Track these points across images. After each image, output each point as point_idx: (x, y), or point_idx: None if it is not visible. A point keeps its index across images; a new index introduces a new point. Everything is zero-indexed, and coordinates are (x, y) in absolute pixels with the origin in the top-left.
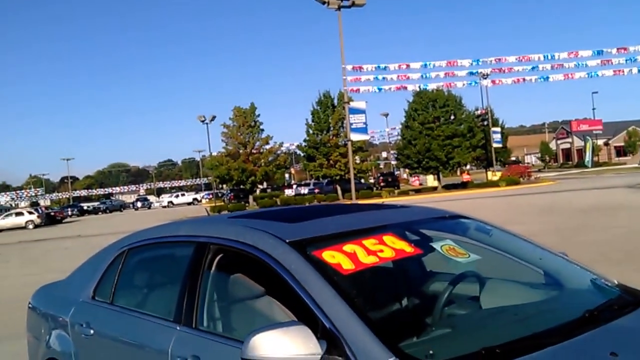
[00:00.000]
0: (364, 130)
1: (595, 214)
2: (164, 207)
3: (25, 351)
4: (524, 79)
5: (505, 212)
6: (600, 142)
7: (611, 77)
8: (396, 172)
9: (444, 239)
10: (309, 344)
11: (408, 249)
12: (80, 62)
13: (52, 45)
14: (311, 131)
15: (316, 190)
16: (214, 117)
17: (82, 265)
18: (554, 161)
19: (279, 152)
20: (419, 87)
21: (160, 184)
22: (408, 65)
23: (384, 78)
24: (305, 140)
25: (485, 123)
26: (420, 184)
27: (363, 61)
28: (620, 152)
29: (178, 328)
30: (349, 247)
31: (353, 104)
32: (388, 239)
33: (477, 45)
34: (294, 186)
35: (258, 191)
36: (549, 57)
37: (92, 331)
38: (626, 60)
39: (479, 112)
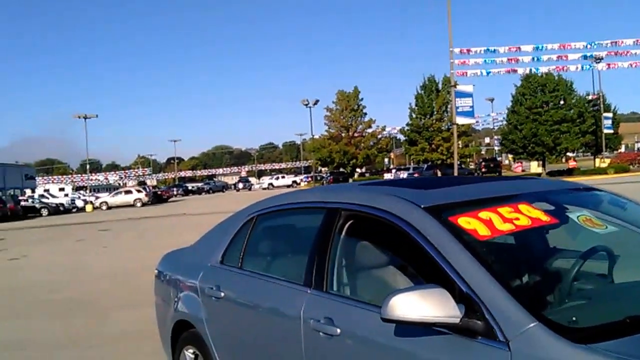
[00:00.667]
0: (470, 114)
1: None
2: (264, 189)
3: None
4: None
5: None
6: None
7: None
8: (498, 158)
9: (580, 210)
10: (448, 306)
11: (544, 217)
12: (188, 49)
13: (165, 34)
14: (414, 115)
15: (415, 175)
16: (317, 101)
17: (209, 232)
18: None
19: (380, 135)
20: (530, 70)
21: (262, 167)
22: (519, 48)
23: (492, 61)
24: (407, 124)
25: (596, 108)
26: (523, 170)
27: (471, 45)
28: None
29: (309, 291)
30: (484, 214)
31: (460, 88)
32: (523, 207)
33: (591, 28)
34: (393, 170)
35: (356, 175)
36: None
37: (222, 294)
38: None
39: (590, 97)
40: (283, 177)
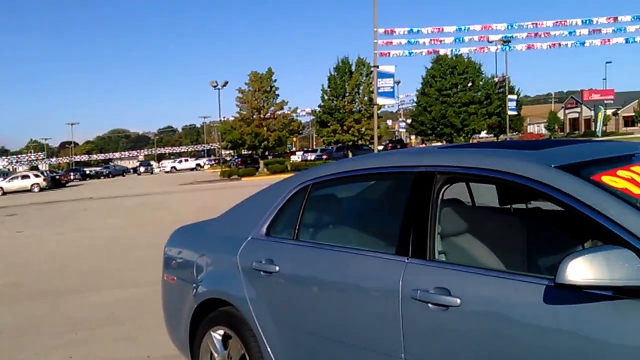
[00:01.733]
0: (391, 95)
1: None
2: (167, 172)
3: None
4: (559, 44)
5: None
6: (609, 112)
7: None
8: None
9: None
10: (635, 268)
11: None
12: (84, 27)
13: (60, 11)
14: (326, 97)
15: (324, 157)
16: (226, 83)
17: (241, 204)
18: (560, 130)
19: (291, 117)
20: (452, 51)
21: (161, 150)
22: (441, 29)
23: (416, 42)
24: (319, 106)
25: (502, 91)
26: None
27: (394, 26)
28: (629, 122)
29: (407, 260)
30: (623, 173)
31: (382, 68)
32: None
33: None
34: (300, 152)
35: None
36: (587, 22)
37: (276, 268)
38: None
39: (496, 79)
40: (187, 160)
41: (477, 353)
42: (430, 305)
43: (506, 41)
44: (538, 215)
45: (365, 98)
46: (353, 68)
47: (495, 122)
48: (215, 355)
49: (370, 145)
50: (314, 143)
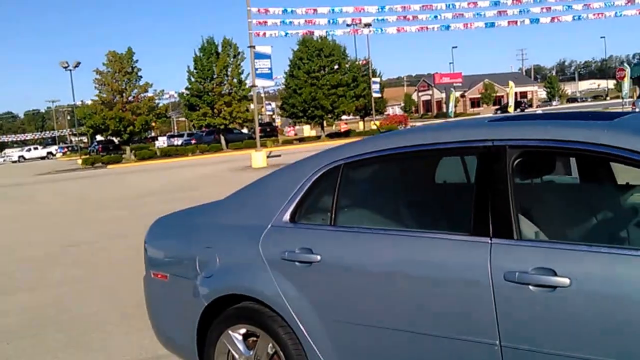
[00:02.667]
0: (268, 76)
1: None
2: (14, 162)
3: None
4: (427, 28)
5: None
6: (457, 94)
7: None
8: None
9: None
10: None
11: None
12: None
13: None
14: (193, 79)
15: (193, 141)
16: (78, 63)
17: (247, 190)
18: (415, 112)
19: (158, 100)
20: (326, 33)
21: (2, 138)
22: (315, 10)
23: (290, 22)
24: (187, 89)
25: (366, 73)
26: (296, 134)
27: (265, 5)
28: (475, 103)
29: (491, 241)
30: None
31: (258, 49)
32: None
33: None
34: (164, 138)
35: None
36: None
37: (318, 257)
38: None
39: (360, 62)
40: (35, 148)
41: (588, 334)
42: (531, 287)
43: (367, 24)
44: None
45: (235, 80)
46: (220, 49)
47: (362, 104)
48: (237, 356)
49: (241, 129)
50: (176, 127)
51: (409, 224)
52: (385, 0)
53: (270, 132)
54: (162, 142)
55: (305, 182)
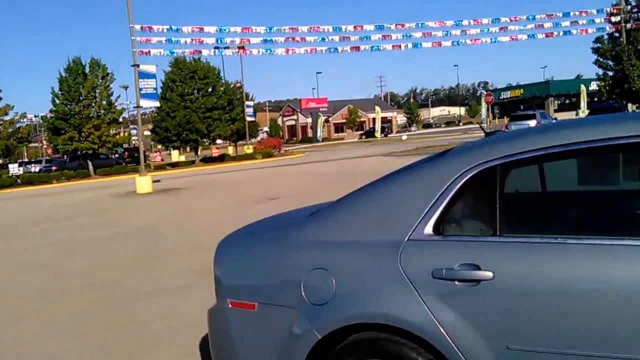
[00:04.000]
0: (154, 96)
1: None
2: None
3: None
4: (315, 50)
5: (306, 179)
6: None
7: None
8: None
9: None
10: None
11: None
12: None
13: None
14: (58, 101)
15: (53, 168)
16: None
17: (352, 199)
18: (281, 137)
19: (19, 124)
20: (214, 52)
21: None
22: (202, 29)
23: (177, 41)
24: (52, 111)
25: (239, 97)
26: (162, 160)
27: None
28: (339, 128)
29: None
30: None
31: (143, 68)
32: None
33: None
34: (14, 165)
35: None
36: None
37: (489, 274)
38: (403, 36)
39: (234, 85)
40: None
41: None
42: None
43: (241, 47)
44: None
45: (104, 102)
46: (87, 69)
47: (240, 127)
48: None
49: (108, 154)
50: (26, 154)
51: (607, 231)
52: (274, 22)
53: (138, 157)
54: (14, 169)
55: (449, 186)
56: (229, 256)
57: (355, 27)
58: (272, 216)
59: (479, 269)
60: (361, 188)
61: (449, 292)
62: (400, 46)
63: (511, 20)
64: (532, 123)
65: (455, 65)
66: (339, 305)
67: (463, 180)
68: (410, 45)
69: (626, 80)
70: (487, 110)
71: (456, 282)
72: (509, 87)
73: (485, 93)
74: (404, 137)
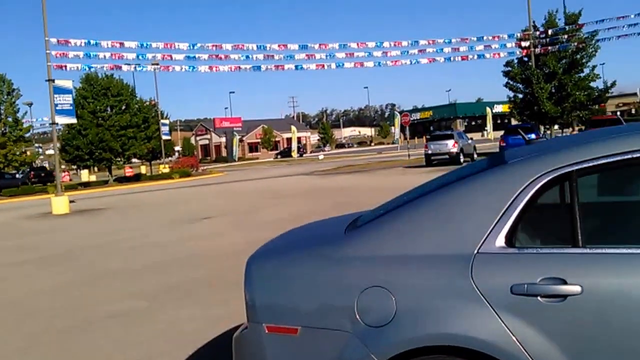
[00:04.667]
0: (70, 113)
1: (344, 191)
2: None
3: None
4: (239, 67)
5: (237, 198)
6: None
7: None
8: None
9: None
10: None
11: None
12: None
13: None
14: None
15: None
16: None
17: (404, 212)
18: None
19: None
20: (135, 67)
21: None
22: (122, 44)
23: (95, 56)
24: None
25: (154, 115)
26: (71, 180)
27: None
28: (253, 147)
29: None
30: None
31: (58, 83)
32: None
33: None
34: None
35: None
36: (261, 47)
37: (577, 289)
38: (326, 56)
39: (147, 103)
40: None
41: None
42: None
43: (155, 63)
44: None
45: (10, 119)
46: None
47: (156, 146)
48: None
49: (14, 174)
50: None
51: None
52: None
53: (45, 177)
54: None
55: (520, 195)
56: (262, 275)
57: (280, 45)
58: (296, 229)
59: (565, 283)
60: (416, 198)
61: (532, 309)
62: (323, 65)
63: (429, 43)
64: (450, 143)
65: (365, 87)
66: (402, 326)
67: (535, 188)
68: (333, 66)
69: (536, 102)
70: (400, 130)
71: (539, 298)
72: (418, 109)
73: (398, 114)
74: (321, 157)
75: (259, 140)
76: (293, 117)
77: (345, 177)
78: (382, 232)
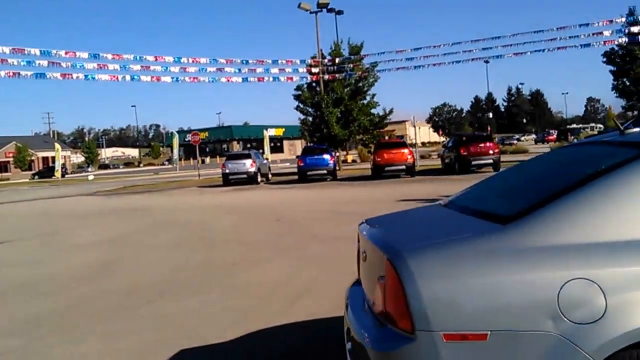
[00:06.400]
0: None
1: (151, 211)
2: None
3: None
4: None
5: (25, 220)
6: None
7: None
8: None
9: None
10: None
11: None
12: None
13: None
14: None
15: None
16: None
17: (599, 189)
18: None
19: None
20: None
21: None
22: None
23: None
24: None
25: None
26: None
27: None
28: (3, 167)
29: None
30: None
31: None
32: None
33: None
34: None
35: None
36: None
37: None
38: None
39: None
40: None
41: None
42: None
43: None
44: None
45: None
46: None
47: None
48: None
49: None
50: None
51: None
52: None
53: None
54: None
55: None
56: (431, 273)
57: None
58: (433, 221)
59: None
60: (578, 181)
61: None
62: (117, 77)
63: (227, 62)
64: (248, 162)
65: (133, 106)
66: (618, 320)
67: None
68: (128, 77)
69: (326, 125)
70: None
71: None
72: (192, 130)
73: (176, 134)
74: (91, 177)
75: (11, 159)
76: (49, 134)
77: (138, 197)
78: (566, 218)
